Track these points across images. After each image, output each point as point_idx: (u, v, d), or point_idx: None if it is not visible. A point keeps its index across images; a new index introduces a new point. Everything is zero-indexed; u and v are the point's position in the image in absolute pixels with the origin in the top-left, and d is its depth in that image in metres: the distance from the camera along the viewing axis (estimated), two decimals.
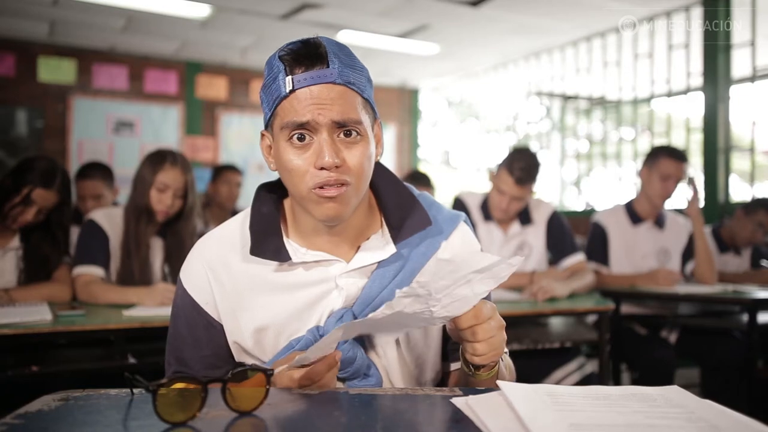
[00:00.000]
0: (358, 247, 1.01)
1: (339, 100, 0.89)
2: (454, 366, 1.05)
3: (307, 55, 0.90)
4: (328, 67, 0.89)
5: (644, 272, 2.83)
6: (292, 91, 0.89)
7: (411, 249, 1.01)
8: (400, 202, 1.03)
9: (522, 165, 2.50)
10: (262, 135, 0.99)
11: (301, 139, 0.90)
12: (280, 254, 0.98)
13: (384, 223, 1.03)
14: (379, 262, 0.99)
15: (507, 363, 1.01)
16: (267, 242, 0.98)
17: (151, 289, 2.02)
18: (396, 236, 1.01)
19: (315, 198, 0.91)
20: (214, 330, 1.00)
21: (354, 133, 0.91)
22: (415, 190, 1.09)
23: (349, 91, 0.91)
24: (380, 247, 1.00)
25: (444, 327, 1.05)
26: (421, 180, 3.68)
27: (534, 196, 2.69)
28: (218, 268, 1.00)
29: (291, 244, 0.99)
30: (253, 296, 0.99)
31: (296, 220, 1.01)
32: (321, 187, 0.90)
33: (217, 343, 1.01)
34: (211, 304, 1.00)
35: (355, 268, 0.98)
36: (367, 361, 0.97)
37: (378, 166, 1.03)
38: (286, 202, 1.04)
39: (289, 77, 0.89)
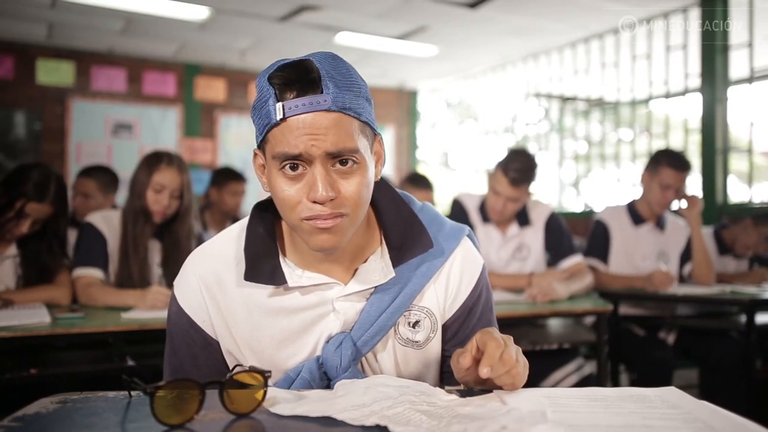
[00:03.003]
0: (356, 269, 0.97)
1: (333, 129, 0.84)
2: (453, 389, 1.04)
3: (299, 79, 0.84)
4: (321, 92, 0.83)
5: (641, 274, 2.83)
6: (284, 119, 0.84)
7: (410, 271, 0.98)
8: (400, 222, 1.00)
9: (517, 166, 2.50)
10: (255, 154, 0.94)
11: (293, 168, 0.86)
12: (275, 278, 0.94)
13: (383, 241, 1.00)
14: (377, 286, 0.96)
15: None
16: (262, 265, 0.95)
17: (144, 292, 2.01)
18: (395, 257, 0.98)
19: (308, 228, 0.87)
20: (212, 348, 0.99)
21: (350, 162, 0.86)
22: (417, 204, 1.06)
23: (344, 117, 0.85)
24: (379, 270, 0.97)
25: (442, 349, 1.04)
26: (421, 182, 3.61)
27: (532, 197, 2.69)
28: (213, 286, 0.97)
29: (288, 265, 0.96)
30: (248, 318, 0.96)
31: (293, 239, 0.98)
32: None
33: (216, 360, 0.99)
34: (207, 322, 0.98)
35: (353, 292, 0.96)
36: None
37: (378, 182, 0.99)
38: (284, 221, 1.00)
39: (280, 104, 0.83)
